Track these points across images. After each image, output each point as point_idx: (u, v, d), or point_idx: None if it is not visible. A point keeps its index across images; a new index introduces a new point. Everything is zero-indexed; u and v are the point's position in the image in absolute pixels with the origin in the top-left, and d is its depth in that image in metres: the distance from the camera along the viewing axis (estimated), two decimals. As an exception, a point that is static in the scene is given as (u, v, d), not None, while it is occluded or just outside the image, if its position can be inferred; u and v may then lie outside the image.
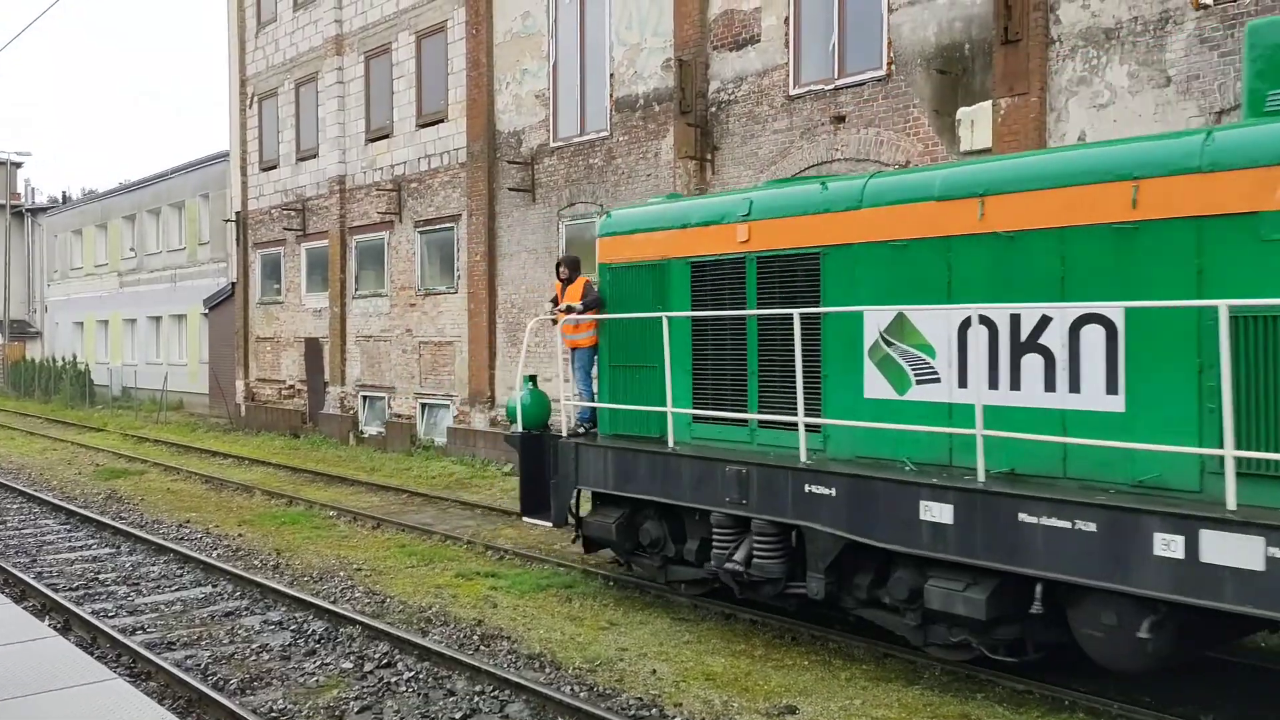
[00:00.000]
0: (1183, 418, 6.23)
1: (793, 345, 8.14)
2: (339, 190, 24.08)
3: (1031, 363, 6.95)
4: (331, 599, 9.79)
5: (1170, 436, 6.23)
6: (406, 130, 22.04)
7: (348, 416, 23.63)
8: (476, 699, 7.19)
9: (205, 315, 31.98)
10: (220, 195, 31.41)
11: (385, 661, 8.02)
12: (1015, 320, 7.02)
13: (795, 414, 8.15)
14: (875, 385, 7.84)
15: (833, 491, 7.64)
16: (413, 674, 7.72)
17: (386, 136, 22.61)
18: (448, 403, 21.01)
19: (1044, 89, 11.74)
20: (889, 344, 7.79)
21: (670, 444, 9.11)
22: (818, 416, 8.19)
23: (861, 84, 13.48)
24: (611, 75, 17.10)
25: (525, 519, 10.54)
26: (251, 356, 28.16)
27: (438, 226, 21.22)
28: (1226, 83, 10.26)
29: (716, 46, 15.25)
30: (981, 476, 6.84)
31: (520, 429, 10.48)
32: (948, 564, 7.00)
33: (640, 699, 7.12)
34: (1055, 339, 6.80)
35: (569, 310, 10.11)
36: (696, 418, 9.30)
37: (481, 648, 8.36)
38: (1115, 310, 6.49)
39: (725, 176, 14.91)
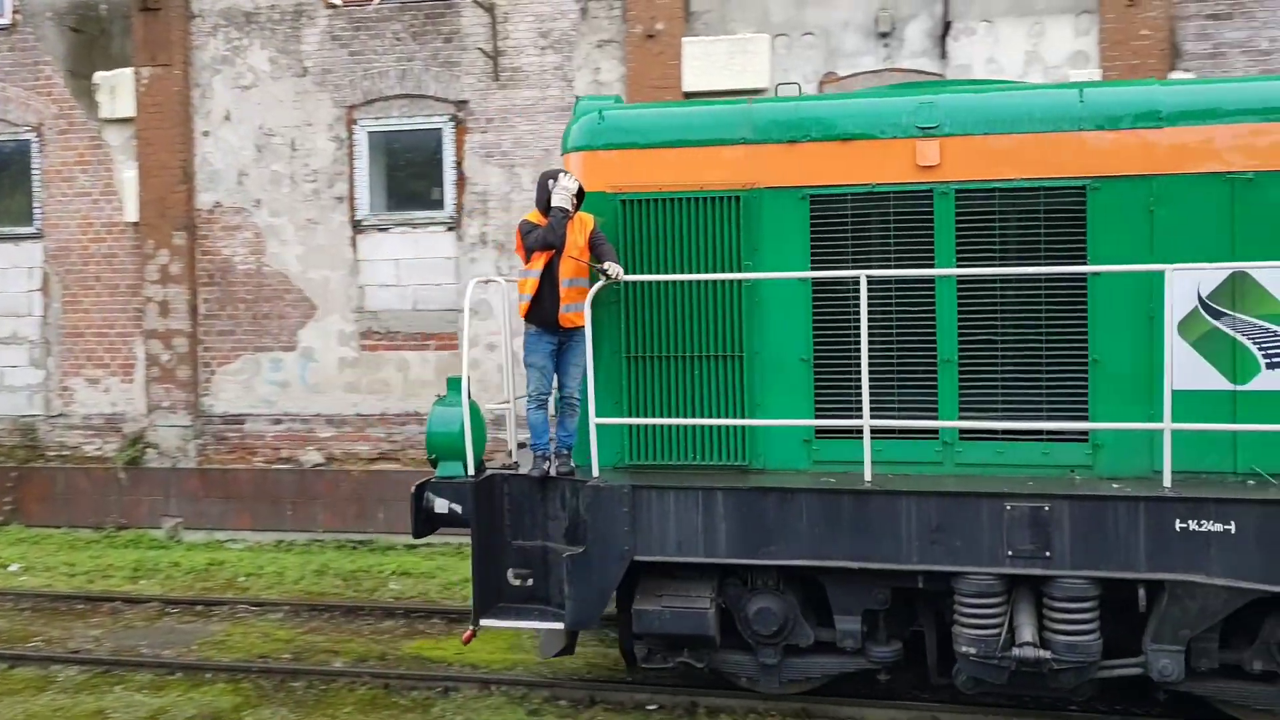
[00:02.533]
0: None
1: (1024, 319, 5.66)
2: None
3: None
4: None
5: None
6: None
7: None
8: None
9: None
10: None
11: None
12: None
13: (1071, 417, 5.65)
14: (1192, 373, 5.64)
15: (1230, 527, 5.29)
16: None
17: None
18: None
19: (187, 62, 11.68)
20: (1217, 315, 5.65)
21: (867, 478, 5.80)
22: (1084, 419, 5.76)
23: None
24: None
25: (485, 625, 6.21)
26: None
27: None
28: (356, 79, 11.29)
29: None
30: None
31: (467, 470, 6.16)
32: None
33: None
34: None
35: (604, 272, 6.05)
36: (820, 432, 6.13)
37: None
38: None
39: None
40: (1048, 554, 5.42)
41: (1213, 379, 5.65)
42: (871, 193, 6.01)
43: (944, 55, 10.45)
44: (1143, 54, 9.92)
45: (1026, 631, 5.52)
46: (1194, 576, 5.30)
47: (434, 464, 6.30)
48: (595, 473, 6.01)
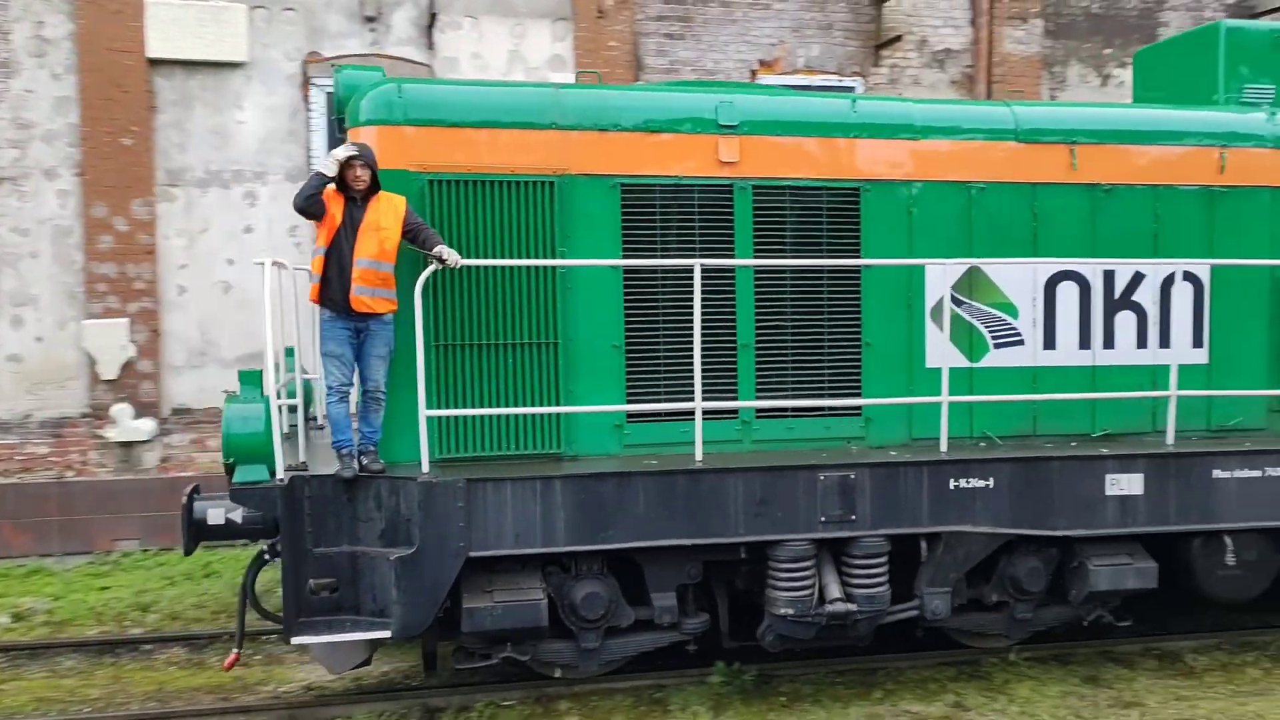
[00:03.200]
0: (1255, 366, 7.01)
1: (815, 307, 6.32)
2: None
3: (1123, 320, 6.83)
4: None
5: (1245, 384, 6.95)
6: None
7: None
8: None
9: None
10: None
11: None
12: (1110, 275, 6.79)
13: (845, 394, 6.35)
14: (942, 353, 6.56)
15: (990, 482, 6.21)
16: None
17: None
18: None
19: None
20: (959, 303, 6.62)
21: (698, 458, 5.96)
22: (855, 394, 6.48)
23: None
24: None
25: (297, 642, 5.54)
26: None
27: None
28: None
29: None
30: (1171, 439, 6.52)
31: (279, 471, 5.50)
32: (1109, 540, 6.46)
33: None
34: (1147, 296, 6.82)
35: (440, 260, 5.62)
36: (631, 416, 6.27)
37: None
38: (1203, 268, 6.87)
39: None
40: (853, 517, 6.05)
41: (956, 358, 6.62)
42: (678, 184, 6.26)
43: (431, 46, 10.88)
44: (612, 63, 11.00)
45: (834, 589, 6.11)
46: (963, 526, 6.21)
47: (229, 470, 5.56)
48: (425, 468, 5.67)
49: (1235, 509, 6.50)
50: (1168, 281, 6.81)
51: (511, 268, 5.99)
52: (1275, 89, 7.40)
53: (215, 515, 5.77)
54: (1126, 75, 12.47)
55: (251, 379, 5.66)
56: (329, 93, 9.45)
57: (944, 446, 6.27)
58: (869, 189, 6.49)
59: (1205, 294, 6.90)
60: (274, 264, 5.65)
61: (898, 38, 12.08)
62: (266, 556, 6.05)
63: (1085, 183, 6.77)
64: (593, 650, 6.12)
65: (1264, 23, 8.15)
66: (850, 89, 11.31)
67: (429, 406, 5.77)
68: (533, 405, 6.07)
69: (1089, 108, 7.35)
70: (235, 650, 6.07)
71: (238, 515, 5.78)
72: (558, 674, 6.23)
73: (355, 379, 5.82)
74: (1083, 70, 12.81)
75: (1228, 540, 6.62)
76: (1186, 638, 7.24)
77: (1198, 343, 6.91)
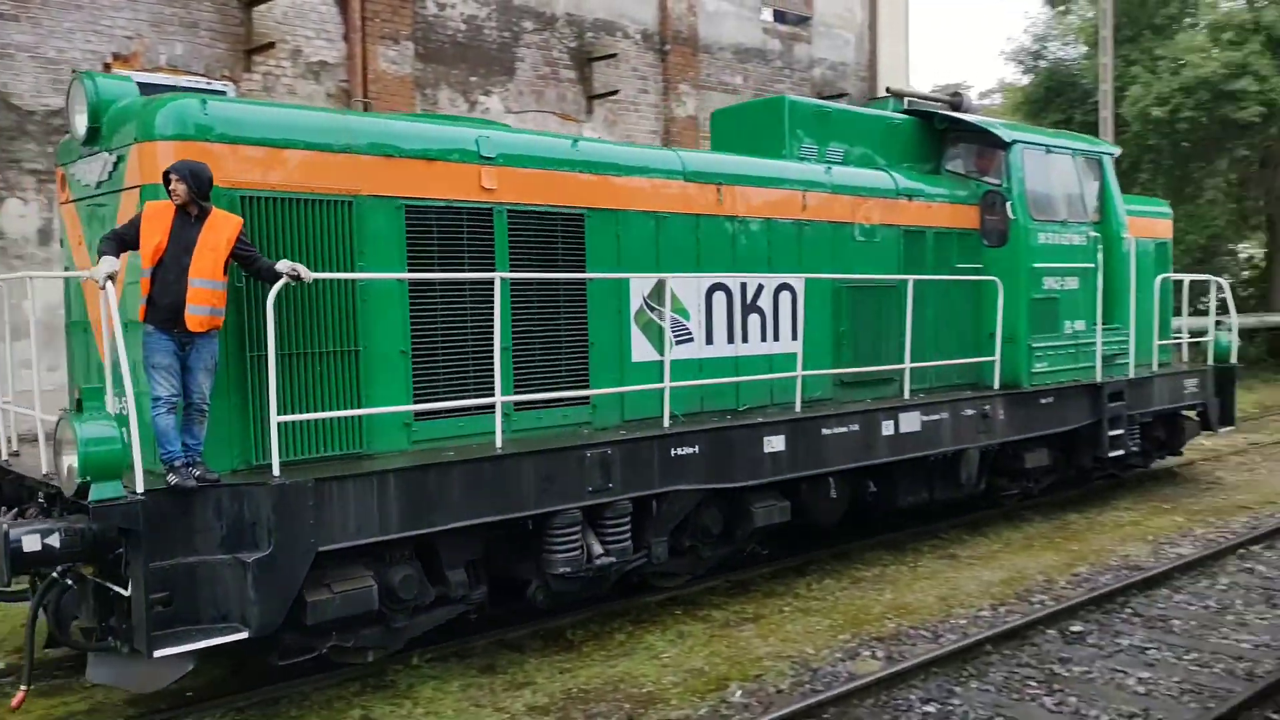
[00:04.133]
0: (825, 352, 9.49)
1: (555, 314, 7.61)
2: None
3: (753, 320, 8.90)
4: None
5: (822, 366, 9.42)
6: None
7: None
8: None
9: None
10: None
11: None
12: (744, 286, 8.81)
13: (579, 386, 7.66)
14: (642, 349, 8.11)
15: (695, 449, 7.82)
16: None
17: None
18: None
19: None
20: (651, 309, 8.20)
21: (499, 445, 6.68)
22: (585, 387, 7.79)
23: None
24: None
25: (159, 654, 5.36)
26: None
27: None
28: None
29: None
30: (799, 408, 8.62)
31: (136, 487, 5.36)
32: (765, 487, 8.45)
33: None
34: (766, 301, 8.97)
35: (295, 276, 5.95)
36: (418, 415, 6.93)
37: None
38: (798, 280, 9.18)
39: None
40: (611, 485, 7.35)
41: (651, 353, 8.20)
42: (450, 206, 7.06)
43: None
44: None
45: (597, 547, 7.36)
46: (681, 485, 7.82)
47: (81, 491, 5.29)
48: (277, 471, 5.90)
49: (835, 456, 8.91)
50: (777, 290, 9.04)
51: (316, 282, 6.37)
52: (818, 148, 10.03)
53: (31, 542, 5.45)
54: (491, 103, 14.13)
55: (95, 394, 5.42)
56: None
57: (666, 423, 7.83)
58: (590, 215, 7.82)
59: (799, 300, 9.23)
60: (108, 279, 5.49)
61: (270, 44, 12.10)
62: (70, 582, 5.78)
63: (727, 215, 8.74)
64: (400, 629, 6.72)
65: (812, 100, 10.84)
66: (222, 92, 10.09)
67: (223, 414, 6.02)
68: (337, 409, 6.51)
69: (728, 156, 9.31)
70: (24, 687, 5.73)
71: (55, 540, 5.51)
72: (370, 658, 6.71)
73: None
74: (452, 95, 13.80)
75: (831, 479, 9.03)
76: (567, 616, 7.97)
77: (794, 336, 9.22)
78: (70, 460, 5.39)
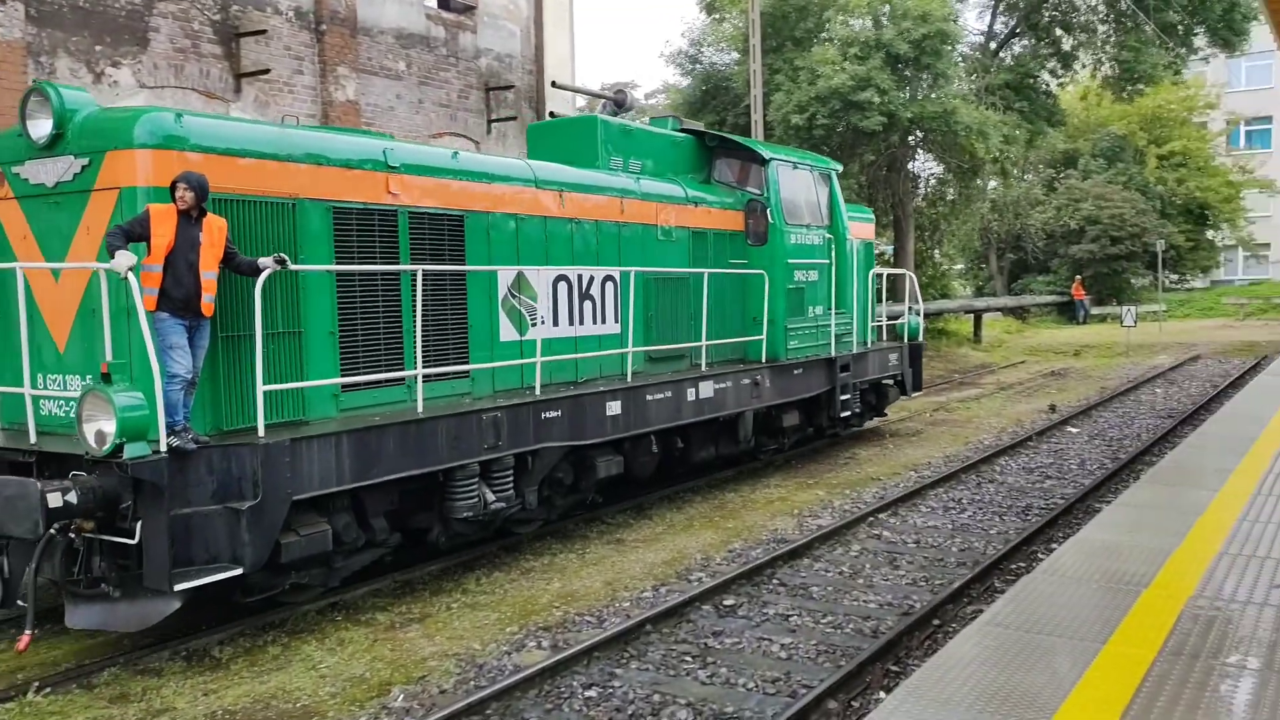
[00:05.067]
0: (639, 333, 11.32)
1: (444, 301, 8.97)
2: None
3: (587, 305, 10.58)
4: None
5: (637, 344, 11.27)
6: None
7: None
8: None
9: None
10: None
11: None
12: (580, 277, 10.48)
13: (461, 363, 9.08)
14: (507, 330, 9.60)
15: (559, 413, 9.38)
16: None
17: None
18: None
19: None
20: (514, 296, 9.69)
21: (419, 410, 7.91)
22: (467, 363, 9.19)
23: None
24: None
25: (179, 588, 6.27)
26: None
27: None
28: None
29: None
30: (630, 378, 10.36)
31: (164, 442, 6.31)
32: (606, 445, 10.16)
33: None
34: (595, 289, 10.68)
35: (282, 262, 7.07)
36: (345, 387, 8.09)
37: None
38: (616, 272, 10.96)
39: None
40: (500, 442, 8.81)
41: (514, 334, 9.69)
42: (366, 208, 8.25)
43: None
44: None
45: (490, 495, 8.80)
46: (549, 444, 9.40)
47: (118, 452, 6.15)
48: (261, 434, 6.96)
49: (655, 418, 10.79)
50: (604, 281, 10.78)
51: (273, 274, 7.42)
52: (623, 160, 11.86)
53: (54, 499, 6.25)
54: (122, 75, 12.69)
55: (121, 369, 6.26)
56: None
57: (538, 391, 9.38)
58: (467, 216, 9.20)
59: (619, 289, 11.01)
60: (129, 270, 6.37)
61: None
62: (73, 536, 6.58)
63: (568, 216, 10.37)
64: (338, 568, 7.90)
65: (618, 120, 12.59)
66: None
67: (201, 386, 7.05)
68: (283, 382, 7.58)
69: (568, 168, 10.78)
70: (29, 631, 6.49)
71: (73, 496, 6.34)
72: (318, 591, 7.85)
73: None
74: (74, 64, 12.24)
75: (651, 437, 10.92)
76: (214, 632, 7.51)
77: (617, 319, 11.00)
78: (99, 426, 6.25)
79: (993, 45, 37.20)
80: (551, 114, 17.67)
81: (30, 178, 7.33)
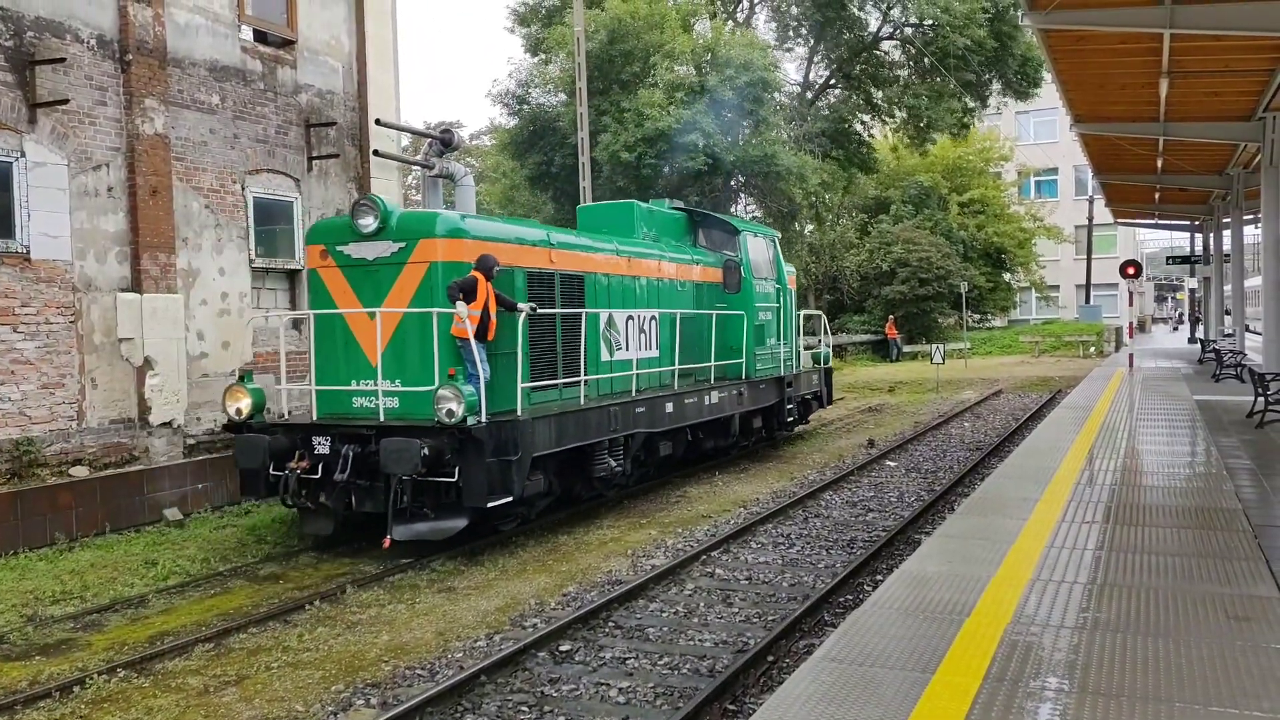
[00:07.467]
0: (672, 358, 15.82)
1: (574, 332, 13.29)
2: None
3: (642, 337, 15.05)
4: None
5: (673, 365, 15.77)
6: None
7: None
8: None
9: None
10: None
11: None
12: (640, 316, 14.96)
13: (582, 375, 13.46)
14: (604, 354, 14.00)
15: (645, 409, 13.80)
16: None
17: None
18: None
19: None
20: (609, 330, 14.10)
21: (582, 402, 12.22)
22: (587, 375, 13.55)
23: None
24: None
25: (490, 505, 10.48)
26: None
27: None
28: None
29: None
30: (676, 387, 14.88)
31: (484, 416, 10.57)
32: (664, 431, 14.62)
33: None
34: (647, 324, 15.16)
35: (533, 309, 11.79)
36: (534, 389, 12.34)
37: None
38: (659, 313, 15.45)
39: None
40: (617, 427, 13.17)
41: (607, 355, 14.07)
42: (541, 272, 12.56)
43: None
44: None
45: (614, 463, 13.11)
46: (639, 430, 13.80)
47: (463, 422, 10.29)
48: (521, 414, 11.19)
49: (690, 415, 15.33)
50: (650, 320, 15.28)
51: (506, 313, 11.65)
52: (650, 232, 16.44)
53: (425, 451, 10.31)
54: None
55: (458, 378, 10.42)
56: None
57: (634, 393, 13.80)
58: (586, 276, 13.59)
59: (658, 324, 15.52)
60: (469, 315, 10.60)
61: None
62: (405, 478, 10.61)
63: (632, 275, 14.86)
64: (536, 506, 12.12)
65: (646, 204, 17.13)
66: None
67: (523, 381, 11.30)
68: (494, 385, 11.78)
69: (633, 243, 15.35)
70: (390, 536, 10.50)
71: (426, 450, 10.43)
72: (512, 525, 12.03)
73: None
74: None
75: (687, 430, 15.47)
76: None
77: (656, 346, 15.48)
78: (449, 406, 10.36)
79: (809, 95, 39.31)
80: (376, 152, 17.56)
81: (353, 254, 11.37)
